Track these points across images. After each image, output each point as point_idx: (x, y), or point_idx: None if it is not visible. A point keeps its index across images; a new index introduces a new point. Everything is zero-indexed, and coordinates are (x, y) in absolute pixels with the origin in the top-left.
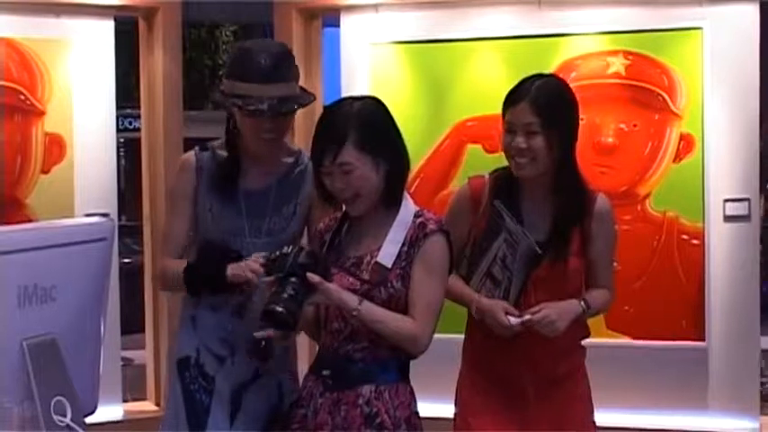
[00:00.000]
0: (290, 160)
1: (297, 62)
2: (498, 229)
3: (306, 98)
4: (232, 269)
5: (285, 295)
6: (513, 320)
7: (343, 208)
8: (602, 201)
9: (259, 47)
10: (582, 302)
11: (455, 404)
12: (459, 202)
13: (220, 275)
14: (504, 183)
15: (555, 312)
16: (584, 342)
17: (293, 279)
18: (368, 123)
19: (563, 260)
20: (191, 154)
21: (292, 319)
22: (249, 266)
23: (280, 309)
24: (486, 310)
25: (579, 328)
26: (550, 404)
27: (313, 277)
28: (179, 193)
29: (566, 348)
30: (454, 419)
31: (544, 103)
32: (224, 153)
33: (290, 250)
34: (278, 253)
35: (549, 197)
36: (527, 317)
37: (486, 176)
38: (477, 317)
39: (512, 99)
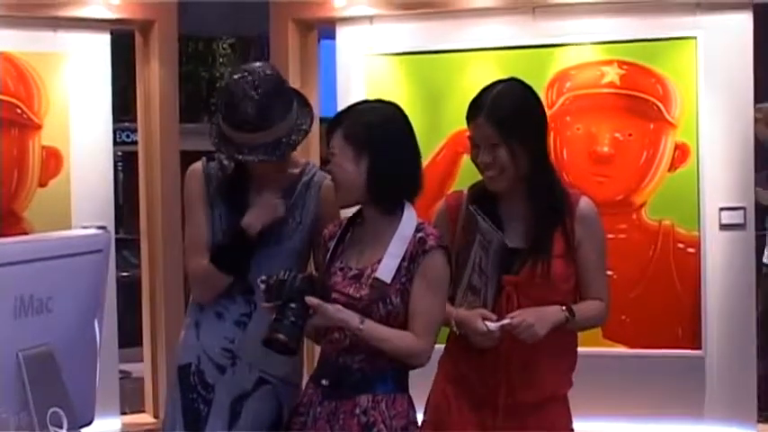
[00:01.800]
0: (297, 171)
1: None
2: (473, 235)
3: (299, 133)
4: (248, 216)
5: (286, 322)
6: (492, 325)
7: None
8: (585, 203)
9: (243, 91)
10: (565, 309)
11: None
12: (437, 220)
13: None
14: (481, 194)
15: (533, 316)
16: (581, 351)
17: (292, 305)
18: (362, 118)
19: (545, 263)
20: (198, 164)
21: (294, 345)
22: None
23: (282, 337)
24: (463, 320)
25: (565, 353)
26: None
27: (311, 301)
28: (193, 201)
29: (547, 374)
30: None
31: (502, 114)
32: (231, 163)
33: (286, 276)
34: (275, 278)
35: (527, 202)
36: (506, 321)
37: (465, 191)
38: (458, 331)
39: (471, 113)
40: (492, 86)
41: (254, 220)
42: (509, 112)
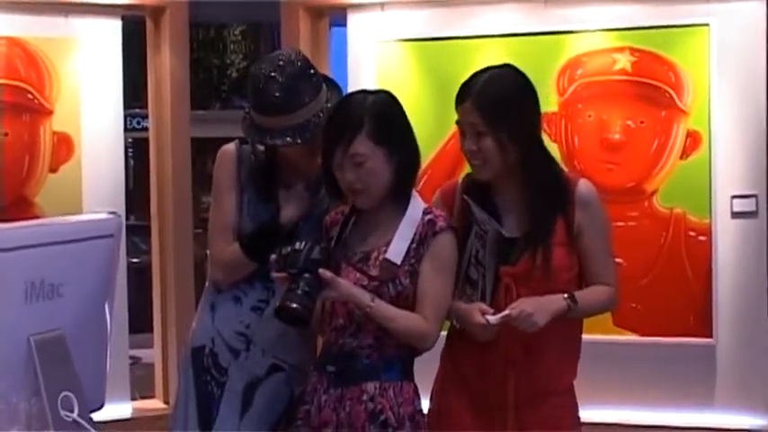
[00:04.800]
0: None
1: None
2: (469, 225)
3: (327, 113)
4: (287, 210)
5: (299, 291)
6: (492, 319)
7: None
8: (584, 185)
9: (268, 75)
10: (566, 297)
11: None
12: None
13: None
14: (475, 184)
15: (532, 305)
16: (591, 339)
17: (306, 275)
18: (382, 115)
19: (545, 253)
20: (231, 146)
21: (307, 316)
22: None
23: (294, 305)
24: (462, 314)
25: (568, 343)
26: (527, 425)
27: (325, 273)
28: (223, 184)
29: (550, 365)
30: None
31: (489, 101)
32: (262, 148)
33: (302, 246)
34: (290, 249)
35: (523, 190)
36: (505, 313)
37: (458, 180)
38: (457, 324)
39: (459, 97)
40: (484, 71)
41: (292, 214)
42: (497, 101)
